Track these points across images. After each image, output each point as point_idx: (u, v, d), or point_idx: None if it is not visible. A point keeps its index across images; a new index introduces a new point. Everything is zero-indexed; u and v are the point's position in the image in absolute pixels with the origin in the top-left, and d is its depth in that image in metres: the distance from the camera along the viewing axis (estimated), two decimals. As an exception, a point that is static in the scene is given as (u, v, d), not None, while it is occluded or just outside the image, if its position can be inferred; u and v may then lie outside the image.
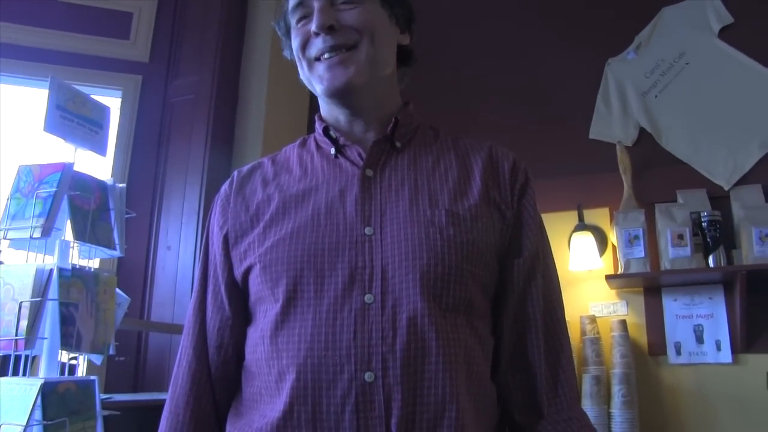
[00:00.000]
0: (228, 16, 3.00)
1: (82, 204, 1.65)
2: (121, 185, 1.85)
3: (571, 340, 2.55)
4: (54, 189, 1.58)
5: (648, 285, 2.68)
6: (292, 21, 1.15)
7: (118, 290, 1.75)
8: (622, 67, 2.98)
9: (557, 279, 1.16)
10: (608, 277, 2.62)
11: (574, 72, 3.05)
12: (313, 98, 3.51)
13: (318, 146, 1.18)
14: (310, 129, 3.34)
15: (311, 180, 1.12)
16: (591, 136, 2.95)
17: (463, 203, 1.06)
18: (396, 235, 1.01)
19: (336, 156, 1.14)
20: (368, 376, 0.93)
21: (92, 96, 1.88)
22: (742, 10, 2.84)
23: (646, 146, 2.85)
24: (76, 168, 1.70)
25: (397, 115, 1.14)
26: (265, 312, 1.04)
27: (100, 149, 1.87)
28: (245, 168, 1.21)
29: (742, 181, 2.65)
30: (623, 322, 2.59)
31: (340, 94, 1.09)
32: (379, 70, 1.12)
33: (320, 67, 1.09)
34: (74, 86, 1.82)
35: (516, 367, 1.08)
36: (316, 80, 1.11)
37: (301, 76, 1.17)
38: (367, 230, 1.02)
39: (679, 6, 2.96)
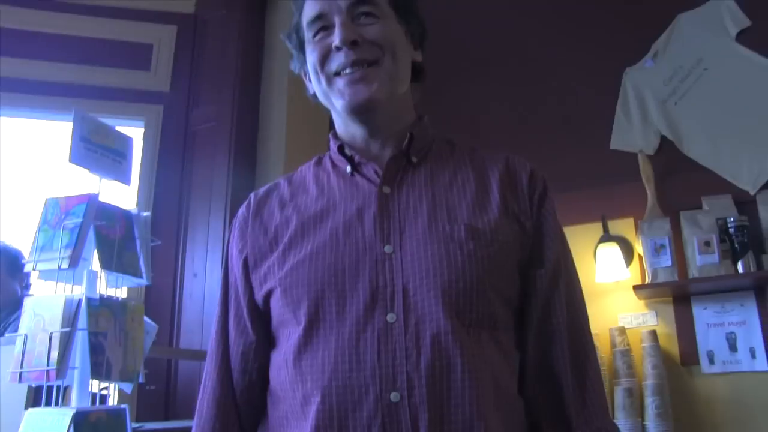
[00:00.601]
0: (246, 43, 3.04)
1: (108, 233, 1.66)
2: (145, 214, 1.86)
3: (601, 352, 2.55)
4: (80, 220, 1.60)
5: (677, 294, 2.65)
6: (308, 34, 1.13)
7: (146, 318, 1.76)
8: (641, 75, 2.97)
9: (580, 289, 1.14)
10: (636, 288, 2.59)
11: (592, 82, 3.05)
12: (333, 123, 3.52)
13: (333, 165, 1.17)
14: (331, 150, 3.39)
15: (328, 199, 1.10)
16: (612, 147, 2.94)
17: (483, 217, 1.04)
18: (416, 253, 0.99)
19: (352, 174, 1.12)
20: (394, 396, 0.92)
21: (115, 127, 1.90)
22: (759, 11, 2.82)
23: (668, 154, 2.83)
24: (101, 198, 1.72)
25: (412, 130, 1.12)
26: (288, 335, 1.03)
27: (125, 179, 1.89)
28: (262, 190, 1.21)
29: (768, 184, 2.62)
30: (653, 333, 2.56)
31: (361, 110, 1.08)
32: (398, 86, 1.11)
33: (340, 82, 1.08)
34: (98, 118, 1.85)
35: (542, 379, 1.06)
36: (336, 96, 1.09)
37: (316, 91, 1.16)
38: (387, 248, 1.01)
39: (694, 12, 2.95)
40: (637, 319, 2.69)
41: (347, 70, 1.07)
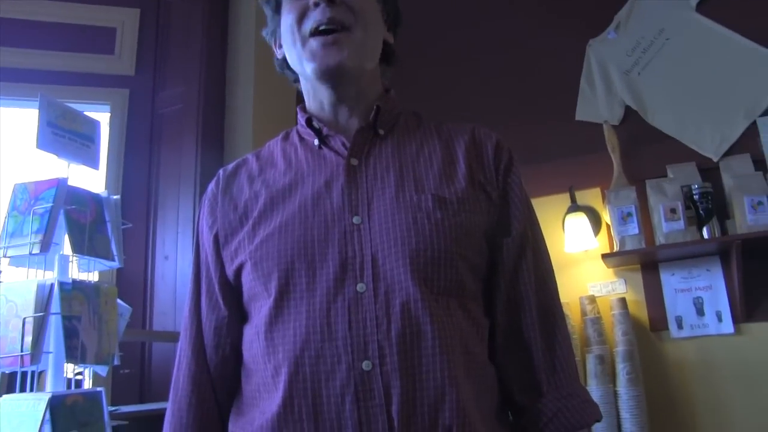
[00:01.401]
0: (210, 24, 3.02)
1: (78, 218, 1.66)
2: (115, 197, 1.87)
3: (572, 321, 2.59)
4: (50, 204, 1.60)
5: (644, 261, 2.70)
6: None
7: (119, 301, 1.77)
8: (604, 47, 3.01)
9: (548, 256, 1.16)
10: (604, 256, 2.64)
11: (556, 54, 3.07)
12: (299, 102, 3.52)
13: (301, 138, 1.18)
14: (300, 130, 3.38)
15: (296, 172, 1.11)
16: (577, 118, 2.98)
17: (449, 187, 1.06)
18: (384, 223, 1.01)
19: (320, 147, 1.13)
20: (366, 365, 0.93)
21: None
22: (718, -19, 2.87)
23: (632, 124, 2.87)
24: (70, 183, 1.71)
25: (378, 103, 1.13)
26: (260, 308, 1.04)
27: (93, 163, 1.89)
28: (230, 166, 1.21)
29: (731, 151, 2.68)
30: (623, 300, 2.61)
31: (331, 74, 1.08)
32: (367, 58, 1.12)
33: (314, 43, 1.08)
34: (64, 103, 1.84)
35: (512, 346, 1.08)
36: (307, 57, 1.09)
37: (288, 56, 1.16)
38: (355, 219, 1.02)
39: (656, -18, 2.98)
40: (606, 287, 2.74)
41: (322, 28, 1.07)
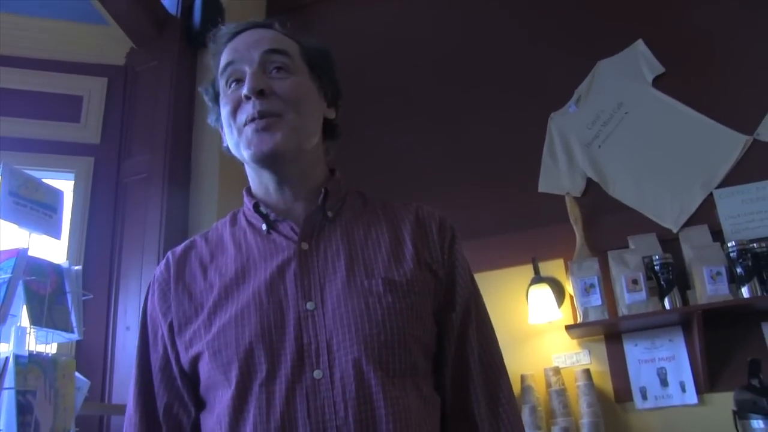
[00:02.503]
0: (177, 94, 3.05)
1: (38, 288, 1.64)
2: (77, 267, 1.84)
3: (537, 393, 2.59)
4: (8, 275, 1.57)
5: (608, 332, 2.72)
6: (221, 83, 1.16)
7: (77, 374, 1.73)
8: (565, 120, 3.09)
9: (491, 326, 1.18)
10: (568, 327, 2.64)
11: (519, 128, 3.14)
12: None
13: (249, 222, 1.18)
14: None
15: (247, 258, 1.12)
16: (540, 190, 3.02)
17: (398, 270, 1.08)
18: (337, 308, 1.02)
19: (268, 232, 1.14)
20: None
21: (45, 180, 1.88)
22: (672, 59, 2.99)
23: (594, 195, 2.93)
24: (31, 253, 1.69)
25: (326, 185, 1.15)
26: (220, 397, 1.03)
27: (55, 233, 1.87)
28: (178, 249, 1.20)
29: (689, 222, 2.74)
30: (587, 371, 2.61)
31: (267, 159, 1.09)
32: (304, 139, 1.13)
33: (248, 131, 1.09)
34: (27, 172, 1.83)
35: (460, 419, 1.09)
36: (244, 145, 1.10)
37: (228, 143, 1.17)
38: (309, 305, 1.03)
39: (613, 59, 3.10)
40: (570, 358, 2.73)
41: (255, 121, 1.08)
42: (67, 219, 2.72)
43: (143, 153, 2.95)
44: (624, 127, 2.98)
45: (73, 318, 1.73)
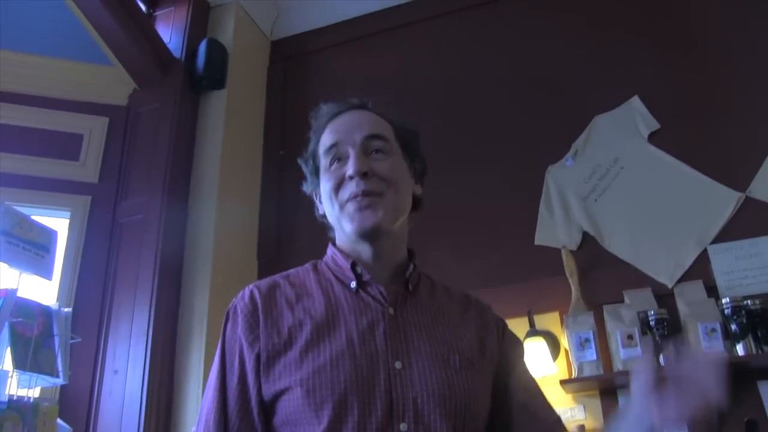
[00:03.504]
0: (177, 137, 3.06)
1: (24, 331, 1.62)
2: (66, 310, 1.83)
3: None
4: (-5, 317, 1.56)
5: (603, 387, 2.68)
6: (324, 162, 1.26)
7: (59, 421, 1.70)
8: (562, 173, 3.10)
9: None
10: (563, 382, 2.62)
11: (516, 180, 3.15)
12: (261, 221, 3.59)
13: (335, 276, 1.26)
14: (261, 249, 3.38)
15: (337, 308, 1.20)
16: (537, 242, 3.02)
17: (469, 348, 1.20)
18: (422, 372, 1.12)
19: (357, 290, 1.22)
20: None
21: (40, 218, 1.88)
22: (667, 116, 3.01)
23: (590, 249, 2.92)
24: (20, 293, 1.68)
25: (413, 262, 1.27)
26: None
27: (46, 273, 1.86)
28: (263, 285, 1.25)
29: (684, 278, 2.72)
30: (582, 428, 2.57)
31: (367, 234, 1.20)
32: (399, 216, 1.24)
33: (351, 208, 1.20)
34: (20, 211, 1.82)
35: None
36: (346, 219, 1.21)
37: (328, 214, 1.28)
38: (397, 364, 1.12)
39: (609, 114, 3.12)
40: (565, 413, 2.69)
41: (358, 198, 1.19)
42: (60, 258, 2.71)
43: (141, 194, 2.95)
44: (620, 182, 2.99)
45: (59, 362, 1.71)
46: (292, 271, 1.31)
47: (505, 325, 1.35)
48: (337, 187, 1.22)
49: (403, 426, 1.07)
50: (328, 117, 1.31)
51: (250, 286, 1.25)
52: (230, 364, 1.17)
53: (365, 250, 1.24)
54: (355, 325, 1.16)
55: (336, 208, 1.23)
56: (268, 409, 1.13)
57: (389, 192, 1.21)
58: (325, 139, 1.27)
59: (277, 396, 1.11)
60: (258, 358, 1.14)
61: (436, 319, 1.23)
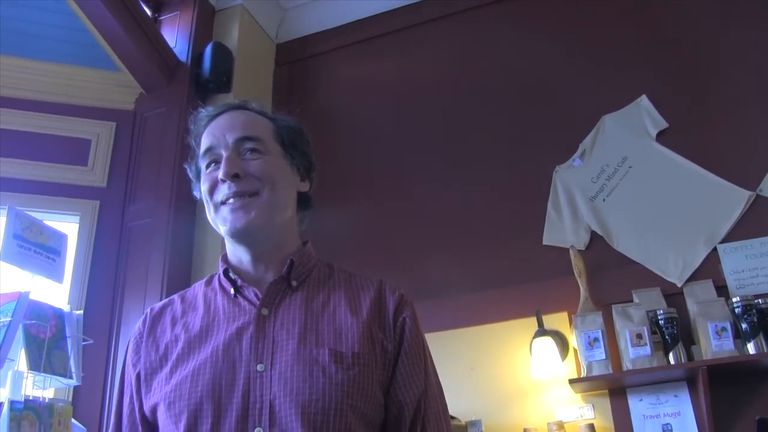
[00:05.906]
0: (184, 141, 3.06)
1: (37, 333, 1.63)
2: (78, 312, 1.84)
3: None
4: (9, 318, 1.57)
5: (612, 386, 2.68)
6: (202, 165, 1.27)
7: (73, 421, 1.71)
8: (570, 173, 3.10)
9: (442, 398, 1.25)
10: (572, 381, 2.61)
11: (524, 180, 3.15)
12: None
13: (221, 285, 1.27)
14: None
15: (213, 318, 1.21)
16: (544, 243, 3.01)
17: (347, 342, 1.15)
18: (283, 372, 1.10)
19: (235, 296, 1.22)
20: None
21: (50, 222, 1.89)
22: (675, 115, 3.01)
23: (598, 249, 2.92)
24: (32, 296, 1.69)
25: (293, 256, 1.24)
26: None
27: (57, 276, 1.87)
28: (157, 307, 1.30)
29: (694, 277, 2.71)
30: (591, 426, 2.57)
31: (241, 235, 1.21)
32: (277, 214, 1.24)
33: (225, 210, 1.21)
34: (31, 215, 1.83)
35: None
36: (220, 221, 1.22)
37: (208, 217, 1.27)
38: (259, 367, 1.11)
39: (617, 114, 3.12)
40: (574, 412, 2.69)
41: (230, 200, 1.20)
42: (70, 262, 2.72)
43: (149, 198, 2.97)
44: (628, 181, 2.98)
45: (71, 363, 1.72)
46: (194, 285, 1.34)
47: (407, 318, 1.24)
48: (211, 190, 1.23)
49: (258, 431, 1.06)
50: (206, 120, 1.32)
51: (147, 309, 1.30)
52: (125, 384, 1.23)
53: (243, 253, 1.25)
54: (224, 333, 1.17)
55: (211, 209, 1.24)
56: (152, 424, 1.17)
57: (265, 191, 1.21)
58: (203, 144, 1.28)
59: (153, 412, 1.15)
60: (138, 377, 1.19)
61: (319, 314, 1.20)
